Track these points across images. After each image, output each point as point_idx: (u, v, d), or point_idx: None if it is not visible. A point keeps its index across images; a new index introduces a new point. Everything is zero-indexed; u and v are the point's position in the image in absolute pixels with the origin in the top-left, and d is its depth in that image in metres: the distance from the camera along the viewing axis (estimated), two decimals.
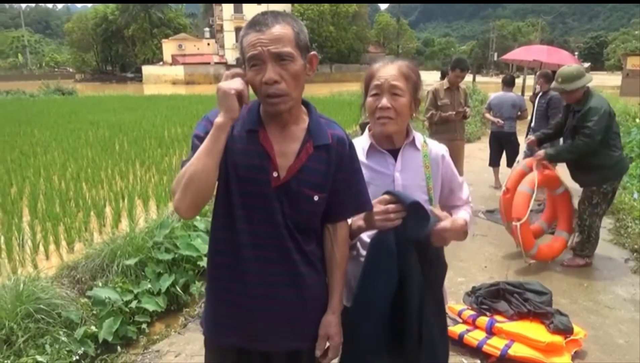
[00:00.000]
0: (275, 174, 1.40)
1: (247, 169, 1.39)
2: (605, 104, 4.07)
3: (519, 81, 7.65)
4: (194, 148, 1.37)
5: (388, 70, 1.65)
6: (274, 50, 1.32)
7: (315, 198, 1.44)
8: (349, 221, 1.63)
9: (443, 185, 1.81)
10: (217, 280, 1.51)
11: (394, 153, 1.73)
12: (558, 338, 2.85)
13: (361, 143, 1.75)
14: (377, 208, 1.55)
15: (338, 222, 1.55)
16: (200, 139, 1.36)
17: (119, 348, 2.99)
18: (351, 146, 1.51)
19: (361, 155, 1.69)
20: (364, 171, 1.63)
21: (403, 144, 1.74)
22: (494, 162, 7.25)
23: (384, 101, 1.63)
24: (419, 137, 1.77)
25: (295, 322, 1.51)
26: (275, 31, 1.33)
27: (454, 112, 5.37)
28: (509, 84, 7.22)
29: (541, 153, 4.39)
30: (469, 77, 26.88)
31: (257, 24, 1.34)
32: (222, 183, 1.42)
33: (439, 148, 1.81)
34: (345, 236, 1.58)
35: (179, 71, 51.15)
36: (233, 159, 1.39)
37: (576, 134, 4.11)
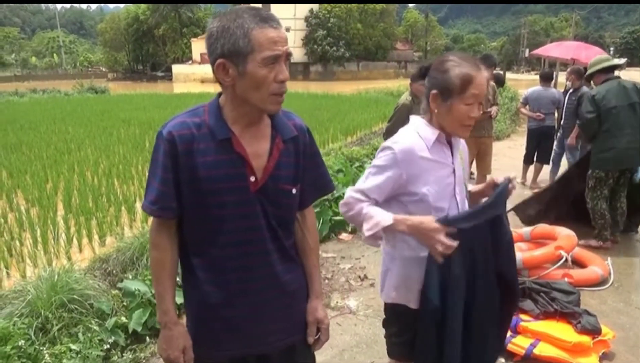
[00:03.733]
0: (252, 178, 1.37)
1: (224, 180, 1.34)
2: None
3: None
4: (155, 166, 1.37)
5: (483, 80, 1.62)
6: (289, 50, 1.31)
7: (294, 191, 1.45)
8: (390, 220, 1.63)
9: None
10: (200, 296, 1.45)
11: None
12: (585, 339, 2.80)
13: (422, 134, 1.72)
14: (436, 237, 1.53)
15: (306, 209, 1.57)
16: (159, 164, 1.35)
17: (147, 338, 3.07)
18: (309, 132, 1.52)
19: (424, 147, 1.69)
20: (428, 163, 1.69)
21: (454, 138, 1.78)
22: (529, 160, 7.01)
23: (477, 113, 1.65)
24: None
25: (286, 319, 1.52)
26: (284, 31, 1.30)
27: (481, 111, 5.29)
28: (547, 79, 6.95)
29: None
30: None
31: (270, 19, 1.28)
32: (192, 199, 1.36)
33: (461, 139, 1.88)
34: (314, 221, 1.61)
35: (207, 70, 50.46)
36: (207, 173, 1.33)
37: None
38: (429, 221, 1.56)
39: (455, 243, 1.52)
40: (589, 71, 4.78)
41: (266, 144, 1.40)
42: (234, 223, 1.38)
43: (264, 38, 1.26)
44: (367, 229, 1.65)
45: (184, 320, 1.56)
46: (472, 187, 1.92)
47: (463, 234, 1.58)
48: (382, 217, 1.63)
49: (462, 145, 1.87)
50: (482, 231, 1.68)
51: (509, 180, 1.73)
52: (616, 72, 4.75)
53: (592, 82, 5.01)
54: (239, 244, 1.40)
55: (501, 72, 5.94)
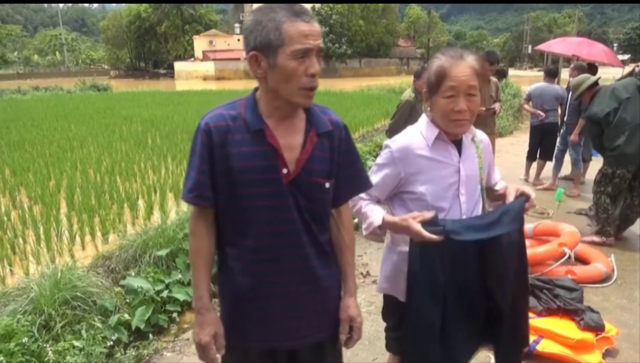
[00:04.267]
0: (285, 170, 1.38)
1: (256, 172, 1.37)
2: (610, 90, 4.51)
3: None
4: (193, 156, 1.42)
5: (462, 70, 1.58)
6: (320, 44, 1.33)
7: (327, 185, 1.45)
8: (380, 221, 1.68)
9: (488, 170, 1.86)
10: (232, 285, 1.49)
11: (454, 144, 1.74)
12: (588, 335, 2.80)
13: (424, 133, 1.72)
14: (414, 224, 1.55)
15: (341, 206, 1.56)
16: (196, 154, 1.41)
17: (150, 335, 3.09)
18: (346, 128, 1.53)
19: (424, 145, 1.69)
20: (427, 162, 1.68)
21: (465, 137, 1.75)
22: (532, 157, 6.96)
23: (462, 105, 1.59)
24: (472, 128, 1.79)
25: (318, 315, 1.52)
26: (317, 25, 1.33)
27: (484, 108, 5.27)
28: (552, 75, 6.88)
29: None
30: None
31: (302, 13, 1.30)
32: (225, 189, 1.40)
33: (483, 136, 1.86)
34: (350, 219, 1.61)
35: (209, 67, 51.71)
36: (240, 164, 1.36)
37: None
38: (414, 225, 1.56)
39: (437, 238, 1.53)
40: (576, 94, 5.22)
41: (300, 137, 1.42)
42: (265, 215, 1.40)
43: (294, 31, 1.29)
44: (364, 227, 1.74)
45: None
46: (500, 186, 1.89)
47: (448, 244, 1.56)
48: (375, 217, 1.70)
49: (483, 143, 1.82)
50: (469, 248, 1.62)
51: (526, 198, 1.68)
52: (621, 69, 4.87)
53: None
54: (270, 236, 1.41)
55: (504, 67, 5.91)
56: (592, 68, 6.61)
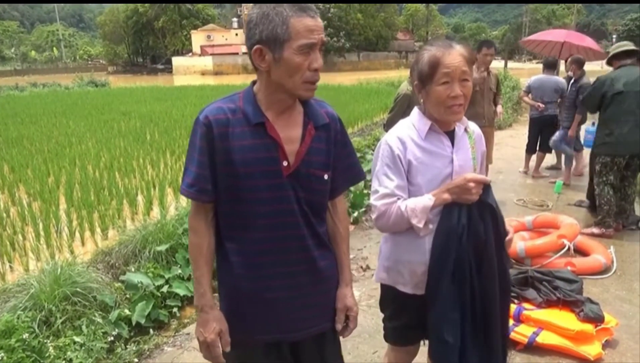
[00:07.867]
0: (285, 163, 1.40)
1: (257, 164, 1.38)
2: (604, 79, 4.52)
3: None
4: (192, 149, 1.42)
5: (454, 57, 1.62)
6: (324, 38, 1.36)
7: (325, 176, 1.47)
8: (432, 197, 1.67)
9: (480, 161, 1.88)
10: (233, 281, 1.48)
11: (447, 135, 1.75)
12: (588, 327, 2.81)
13: (417, 125, 1.74)
14: (468, 183, 1.63)
15: (336, 197, 1.58)
16: (196, 147, 1.40)
17: (151, 330, 3.09)
18: (340, 121, 1.55)
19: (417, 137, 1.71)
20: (422, 153, 1.70)
21: (458, 128, 1.77)
22: (532, 149, 6.95)
23: (458, 90, 1.63)
24: (465, 119, 1.81)
25: (319, 305, 1.54)
26: (320, 20, 1.35)
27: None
28: (550, 67, 6.86)
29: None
30: (500, 63, 26.14)
31: (308, 9, 1.32)
32: (226, 182, 1.40)
33: (476, 128, 1.88)
34: (344, 210, 1.63)
35: (207, 62, 51.52)
36: (241, 157, 1.37)
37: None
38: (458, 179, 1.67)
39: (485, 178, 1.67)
40: (609, 56, 4.82)
41: (298, 130, 1.43)
42: (267, 207, 1.41)
43: (301, 26, 1.30)
44: (417, 221, 1.66)
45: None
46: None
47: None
48: (422, 199, 1.67)
49: (475, 134, 1.84)
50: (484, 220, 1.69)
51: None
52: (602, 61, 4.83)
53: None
54: (273, 228, 1.42)
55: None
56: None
